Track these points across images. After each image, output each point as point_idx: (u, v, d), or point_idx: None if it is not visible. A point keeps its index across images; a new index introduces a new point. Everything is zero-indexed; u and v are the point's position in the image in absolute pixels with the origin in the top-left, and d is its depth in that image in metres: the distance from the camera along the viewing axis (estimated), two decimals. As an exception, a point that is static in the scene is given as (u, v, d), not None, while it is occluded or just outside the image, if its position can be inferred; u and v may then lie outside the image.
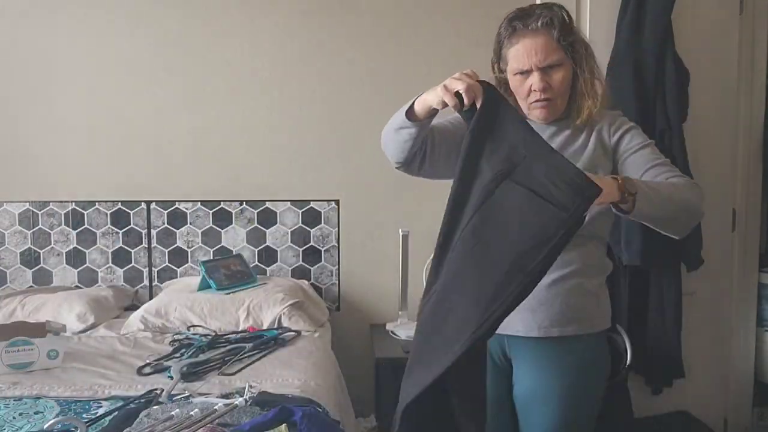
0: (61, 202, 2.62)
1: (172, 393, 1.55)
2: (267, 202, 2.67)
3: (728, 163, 2.32)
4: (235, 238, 2.67)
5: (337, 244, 2.69)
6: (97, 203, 2.63)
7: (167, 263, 2.66)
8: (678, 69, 2.12)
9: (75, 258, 2.64)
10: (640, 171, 1.34)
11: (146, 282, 2.67)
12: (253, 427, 1.24)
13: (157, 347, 2.03)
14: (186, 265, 2.66)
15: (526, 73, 1.35)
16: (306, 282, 2.62)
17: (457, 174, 1.15)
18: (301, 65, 2.63)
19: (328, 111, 2.65)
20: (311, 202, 2.67)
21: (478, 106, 1.14)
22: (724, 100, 2.29)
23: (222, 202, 2.66)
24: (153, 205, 2.64)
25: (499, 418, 1.46)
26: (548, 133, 1.40)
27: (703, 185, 1.41)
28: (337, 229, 2.69)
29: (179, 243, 2.66)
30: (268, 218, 2.67)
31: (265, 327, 2.19)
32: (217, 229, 2.66)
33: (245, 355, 1.90)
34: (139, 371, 1.78)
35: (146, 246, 2.65)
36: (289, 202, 2.67)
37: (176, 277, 2.66)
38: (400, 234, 2.49)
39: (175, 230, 2.65)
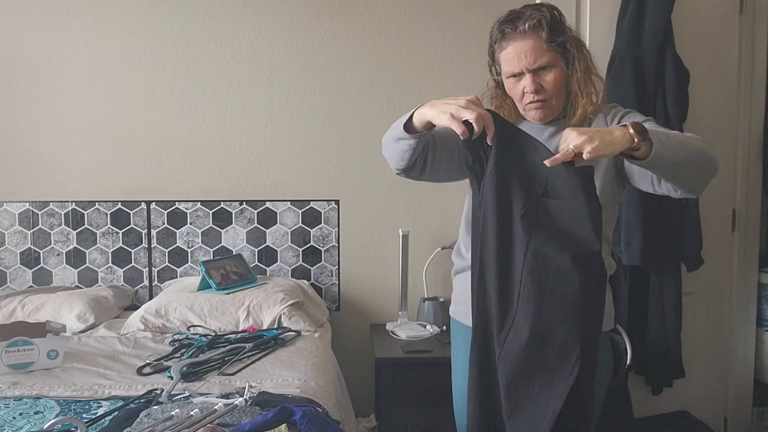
0: (61, 202, 2.62)
1: (172, 393, 1.55)
2: (267, 202, 2.67)
3: (728, 163, 2.32)
4: (235, 238, 2.67)
5: (337, 244, 2.69)
6: (97, 203, 2.63)
7: (167, 263, 2.66)
8: (678, 69, 2.12)
9: (75, 258, 2.64)
10: None
11: (146, 282, 2.67)
12: (253, 427, 1.23)
13: (157, 347, 2.03)
14: (186, 265, 2.67)
15: (518, 75, 1.36)
16: (306, 282, 2.62)
17: (492, 211, 1.18)
18: (301, 65, 2.63)
19: (329, 111, 2.65)
20: (311, 202, 2.67)
21: (489, 137, 1.17)
22: (724, 100, 2.29)
23: (222, 202, 2.66)
24: (153, 205, 2.64)
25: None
26: (547, 134, 1.41)
27: (703, 185, 1.41)
28: (337, 229, 2.69)
29: (179, 243, 2.66)
30: (268, 218, 2.67)
31: (265, 327, 2.19)
32: (217, 229, 2.66)
33: (245, 355, 1.89)
34: (139, 371, 1.78)
35: (146, 246, 2.65)
36: (289, 202, 2.67)
37: (176, 277, 2.66)
38: (400, 234, 2.49)
39: (175, 230, 2.65)
